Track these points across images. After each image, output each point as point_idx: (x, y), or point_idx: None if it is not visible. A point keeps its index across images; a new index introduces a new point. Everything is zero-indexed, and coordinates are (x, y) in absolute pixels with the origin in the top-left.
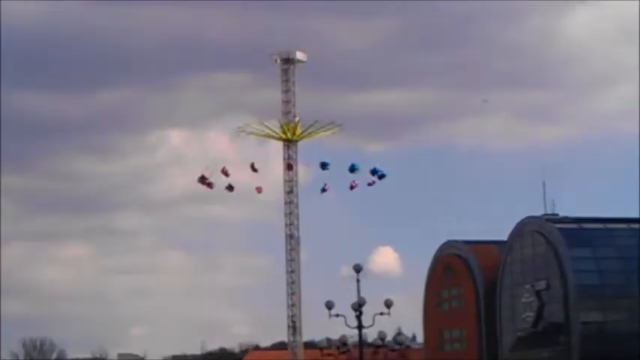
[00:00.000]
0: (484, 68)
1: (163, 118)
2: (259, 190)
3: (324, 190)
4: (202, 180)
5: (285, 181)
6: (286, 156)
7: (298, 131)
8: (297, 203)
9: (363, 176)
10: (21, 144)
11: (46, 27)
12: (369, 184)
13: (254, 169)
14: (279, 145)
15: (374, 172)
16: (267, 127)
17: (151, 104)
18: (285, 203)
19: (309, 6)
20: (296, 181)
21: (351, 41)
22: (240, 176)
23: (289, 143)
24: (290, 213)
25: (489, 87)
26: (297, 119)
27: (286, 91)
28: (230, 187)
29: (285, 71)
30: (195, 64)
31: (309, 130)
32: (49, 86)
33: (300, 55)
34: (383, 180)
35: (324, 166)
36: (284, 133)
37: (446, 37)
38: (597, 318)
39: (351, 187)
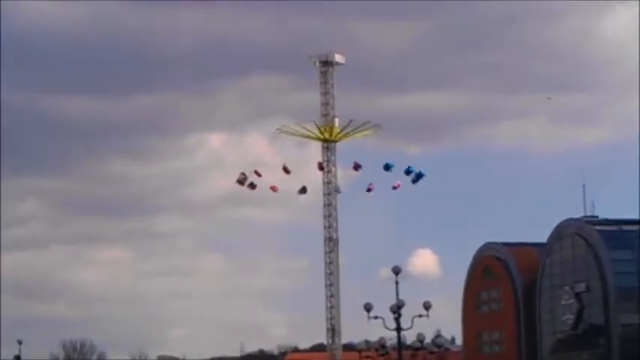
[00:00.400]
0: (523, 70)
1: (202, 122)
2: (275, 189)
3: (369, 189)
4: (241, 181)
5: (324, 183)
6: (325, 157)
7: (336, 131)
8: (335, 205)
9: (401, 177)
10: (60, 147)
11: (85, 31)
12: (414, 182)
13: (287, 171)
14: (317, 148)
15: (408, 171)
16: (305, 127)
17: (190, 107)
18: (324, 205)
19: (347, 8)
20: (334, 183)
21: (389, 43)
22: (279, 179)
23: (327, 144)
24: (329, 215)
25: (528, 89)
26: (335, 120)
27: (325, 94)
28: (252, 186)
29: (324, 74)
30: (233, 67)
31: (347, 130)
32: (88, 90)
33: (338, 58)
34: (422, 182)
35: (387, 167)
36: (322, 133)
37: (483, 39)
38: (637, 320)
39: (394, 187)
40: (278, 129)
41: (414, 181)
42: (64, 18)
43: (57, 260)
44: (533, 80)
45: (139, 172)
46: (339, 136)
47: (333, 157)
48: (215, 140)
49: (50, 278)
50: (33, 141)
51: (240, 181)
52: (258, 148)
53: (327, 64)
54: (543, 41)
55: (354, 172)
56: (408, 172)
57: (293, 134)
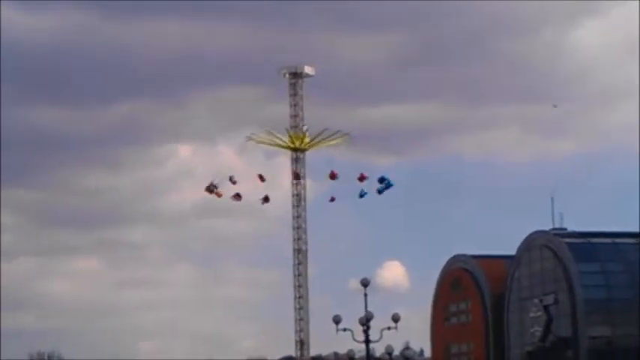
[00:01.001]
0: (493, 82)
1: (172, 133)
2: (266, 199)
3: (332, 199)
4: (210, 189)
5: (293, 195)
6: (294, 166)
7: (306, 140)
8: (304, 217)
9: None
10: (30, 158)
11: (56, 41)
12: (379, 192)
13: (262, 179)
14: (286, 159)
15: (382, 179)
16: (275, 135)
17: (160, 118)
18: (293, 217)
19: (316, 21)
20: (304, 195)
21: (360, 56)
22: (248, 189)
23: (297, 153)
24: (298, 227)
25: (498, 101)
26: (305, 128)
27: (294, 105)
28: (237, 196)
29: (294, 85)
30: (203, 78)
31: (318, 139)
32: (59, 100)
33: (308, 70)
34: (391, 193)
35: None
36: (292, 142)
37: (454, 51)
38: (605, 332)
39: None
40: (247, 137)
41: (380, 191)
42: (35, 29)
43: (27, 271)
44: (504, 92)
45: (110, 183)
46: (309, 144)
47: (302, 169)
48: (185, 151)
49: (20, 289)
50: (2, 153)
51: (210, 189)
52: (228, 158)
53: (296, 75)
54: (514, 54)
55: (324, 182)
56: (381, 180)
57: (263, 142)
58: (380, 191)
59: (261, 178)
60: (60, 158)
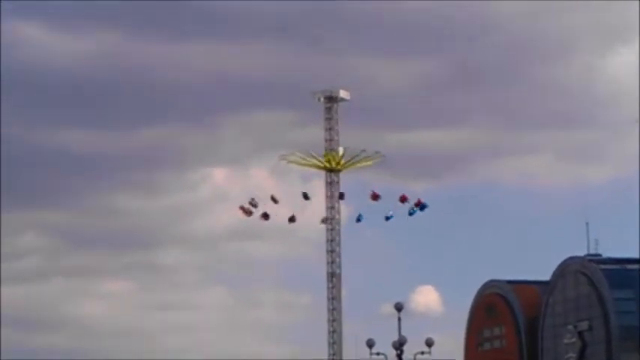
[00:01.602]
0: (528, 107)
1: (206, 156)
2: (293, 219)
3: (358, 220)
4: (243, 209)
5: (327, 218)
6: (328, 190)
7: (341, 161)
8: (338, 241)
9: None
10: (63, 180)
11: (87, 64)
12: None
13: (306, 198)
14: (320, 182)
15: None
16: (310, 155)
17: (193, 142)
18: (327, 241)
19: (351, 45)
20: (338, 219)
21: (394, 80)
22: (282, 212)
23: (332, 173)
24: (332, 250)
25: (533, 126)
26: (341, 149)
27: (329, 129)
28: (265, 216)
29: (329, 109)
30: (236, 101)
31: (353, 160)
32: (89, 124)
33: (343, 94)
34: (424, 218)
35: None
36: (327, 162)
37: (489, 76)
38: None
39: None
40: (281, 156)
41: (411, 213)
42: (65, 51)
43: (58, 293)
44: (538, 117)
45: (142, 206)
46: (344, 165)
47: (336, 192)
48: (218, 174)
49: (51, 311)
50: (33, 174)
51: (245, 210)
52: (261, 181)
53: (331, 99)
54: (548, 78)
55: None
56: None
57: (296, 162)
58: (411, 213)
59: (274, 200)
60: (93, 180)
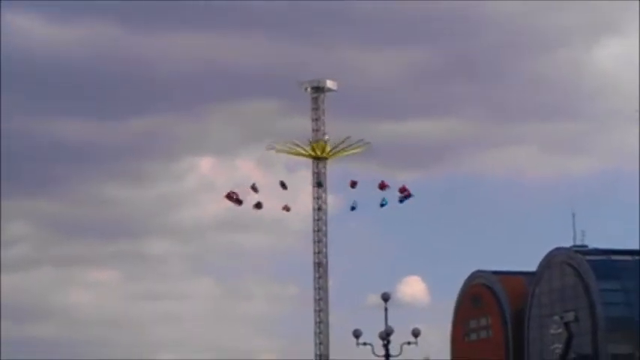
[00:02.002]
0: (514, 99)
1: (192, 146)
2: (287, 208)
3: (353, 208)
4: (230, 197)
5: (313, 208)
6: (315, 175)
7: (327, 149)
8: (325, 231)
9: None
10: (52, 169)
11: (76, 54)
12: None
13: (284, 187)
14: (307, 173)
15: (403, 189)
16: (296, 144)
17: (181, 132)
18: (314, 231)
19: (339, 35)
20: (325, 209)
21: (381, 71)
22: (269, 203)
23: (318, 161)
24: (319, 241)
25: (519, 118)
26: (326, 137)
27: (316, 120)
28: (258, 205)
29: (315, 99)
30: (224, 91)
31: (339, 148)
32: (78, 113)
33: (330, 84)
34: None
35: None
36: (313, 150)
37: (475, 68)
38: (626, 350)
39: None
40: (268, 145)
41: (401, 200)
42: (55, 42)
43: (45, 282)
44: (525, 109)
45: (130, 195)
46: (331, 153)
47: (323, 182)
48: (205, 164)
49: (38, 300)
50: (22, 163)
51: (231, 198)
52: (248, 171)
53: (318, 89)
54: (535, 71)
55: (344, 196)
56: (403, 189)
57: (283, 151)
58: (401, 200)
59: (283, 185)
60: (81, 170)
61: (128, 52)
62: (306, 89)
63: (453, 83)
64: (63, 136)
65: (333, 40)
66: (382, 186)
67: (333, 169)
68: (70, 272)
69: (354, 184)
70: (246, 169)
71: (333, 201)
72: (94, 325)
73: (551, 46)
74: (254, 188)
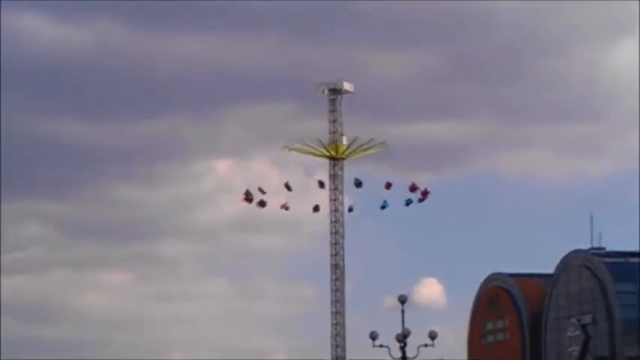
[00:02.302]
0: (529, 100)
1: (208, 148)
2: (286, 207)
3: (383, 207)
4: (247, 198)
5: (331, 210)
6: (332, 181)
7: (343, 149)
8: (342, 233)
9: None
10: (65, 172)
11: (90, 55)
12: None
13: (289, 188)
14: (324, 174)
15: (413, 189)
16: (311, 145)
17: (196, 134)
18: (331, 233)
19: (355, 37)
20: (341, 210)
21: (397, 73)
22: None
23: (335, 165)
24: (335, 243)
25: (534, 119)
26: (343, 137)
27: (333, 121)
28: (262, 204)
29: (332, 101)
30: (240, 93)
31: (354, 147)
32: (92, 115)
33: (347, 86)
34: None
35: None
36: (328, 151)
37: (490, 70)
38: None
39: (412, 190)
40: (284, 145)
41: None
42: (66, 42)
43: (58, 283)
44: (539, 111)
45: (144, 197)
46: (347, 154)
47: (340, 185)
48: (221, 166)
49: (51, 301)
50: (35, 165)
51: (248, 199)
52: (264, 173)
53: (335, 91)
54: (549, 72)
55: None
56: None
57: (299, 151)
58: (421, 200)
59: (288, 187)
60: (94, 171)
61: (142, 54)
62: (323, 91)
63: (467, 85)
64: (77, 139)
65: (348, 42)
66: (413, 188)
67: (349, 172)
68: (83, 274)
69: (389, 186)
70: (262, 171)
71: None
72: (107, 327)
73: (566, 47)
74: (261, 191)
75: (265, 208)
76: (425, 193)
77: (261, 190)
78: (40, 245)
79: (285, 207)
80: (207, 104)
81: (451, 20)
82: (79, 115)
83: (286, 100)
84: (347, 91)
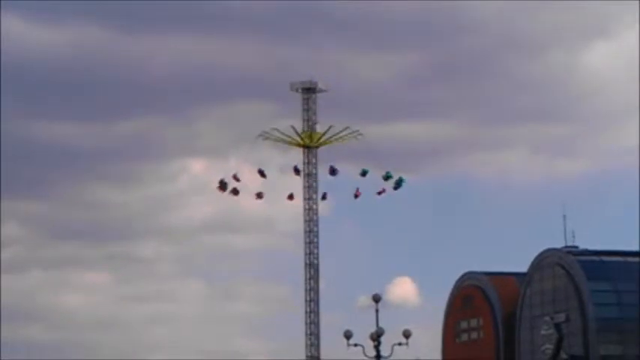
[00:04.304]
0: (504, 101)
1: (183, 148)
2: (260, 195)
3: (356, 196)
4: (222, 186)
5: (305, 209)
6: (305, 165)
7: (318, 137)
8: (316, 232)
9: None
10: (42, 171)
11: (66, 56)
12: (379, 193)
13: (263, 175)
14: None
15: (386, 177)
16: (286, 134)
17: (172, 134)
18: (305, 231)
19: (329, 38)
20: (316, 210)
21: (372, 74)
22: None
23: (309, 150)
24: (310, 242)
25: (509, 120)
26: (316, 126)
27: (307, 120)
28: (235, 192)
29: (307, 100)
30: (215, 93)
31: (329, 136)
32: (69, 115)
33: (321, 85)
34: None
35: (333, 172)
36: (302, 139)
37: (466, 71)
38: (617, 351)
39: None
40: (261, 134)
41: (396, 187)
42: (44, 43)
43: (36, 283)
44: (514, 111)
45: (120, 197)
46: (321, 142)
47: (314, 184)
48: (197, 166)
49: (29, 301)
50: (12, 165)
51: (222, 188)
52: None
53: (309, 91)
54: (525, 73)
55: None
56: (386, 177)
57: (274, 139)
58: (396, 187)
59: (262, 174)
60: (71, 171)
61: (119, 55)
62: (297, 90)
63: (443, 86)
64: (54, 139)
65: (324, 43)
66: (332, 171)
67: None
68: (60, 274)
69: (333, 172)
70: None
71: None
72: (85, 327)
73: (541, 49)
74: (236, 178)
75: (241, 205)
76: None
77: (235, 178)
78: (17, 245)
79: (260, 195)
80: (183, 104)
81: (427, 21)
82: (56, 116)
83: (263, 99)
84: (321, 90)
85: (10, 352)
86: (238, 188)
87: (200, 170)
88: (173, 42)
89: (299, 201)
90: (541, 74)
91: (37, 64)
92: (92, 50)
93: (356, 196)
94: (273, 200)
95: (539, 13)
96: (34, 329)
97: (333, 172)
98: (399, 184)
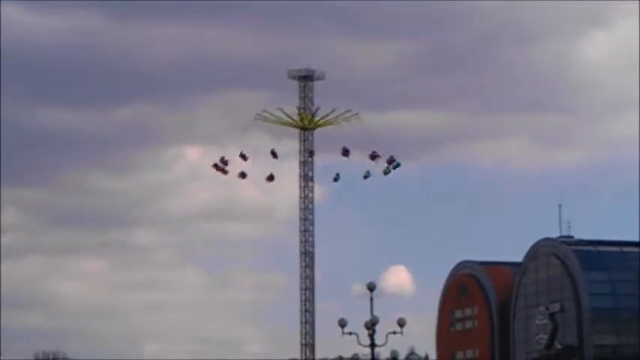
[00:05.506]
0: (502, 91)
1: (181, 135)
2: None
3: (336, 179)
4: (217, 166)
5: (300, 197)
6: (302, 145)
7: (315, 119)
8: (312, 220)
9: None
10: (40, 158)
11: (64, 43)
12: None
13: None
14: (295, 163)
15: (366, 176)
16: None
17: (169, 121)
18: (300, 220)
19: (327, 26)
20: (311, 198)
21: (369, 62)
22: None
23: (306, 132)
24: (305, 230)
25: (507, 110)
26: (315, 107)
27: (304, 108)
28: (243, 175)
29: (304, 88)
30: (212, 81)
31: (327, 117)
32: (66, 102)
33: (318, 73)
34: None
35: (346, 152)
36: (301, 120)
37: (464, 60)
38: (611, 341)
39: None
40: (257, 115)
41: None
42: (42, 30)
43: (33, 271)
44: (512, 101)
45: (117, 185)
46: (318, 123)
47: (310, 173)
48: (193, 153)
49: (26, 289)
50: (11, 151)
51: (221, 169)
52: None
53: (306, 78)
54: (523, 63)
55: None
56: (366, 177)
57: (270, 121)
58: (386, 173)
59: (244, 157)
60: (68, 159)
61: (118, 43)
62: (294, 78)
63: (441, 75)
64: (51, 126)
65: (321, 31)
66: (373, 157)
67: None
68: (57, 261)
69: (346, 153)
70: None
71: (320, 191)
72: (82, 315)
73: (539, 39)
74: (243, 156)
75: (238, 193)
76: (391, 163)
77: (242, 156)
78: (14, 232)
79: (243, 175)
80: (182, 92)
81: (426, 11)
82: (54, 103)
83: (260, 87)
84: (318, 78)
85: (6, 339)
86: (238, 172)
87: (198, 157)
88: (172, 30)
89: (295, 189)
90: (540, 64)
91: (37, 51)
92: (90, 37)
93: (335, 179)
94: (271, 188)
95: (538, 2)
96: (30, 316)
97: (345, 152)
98: (394, 168)
